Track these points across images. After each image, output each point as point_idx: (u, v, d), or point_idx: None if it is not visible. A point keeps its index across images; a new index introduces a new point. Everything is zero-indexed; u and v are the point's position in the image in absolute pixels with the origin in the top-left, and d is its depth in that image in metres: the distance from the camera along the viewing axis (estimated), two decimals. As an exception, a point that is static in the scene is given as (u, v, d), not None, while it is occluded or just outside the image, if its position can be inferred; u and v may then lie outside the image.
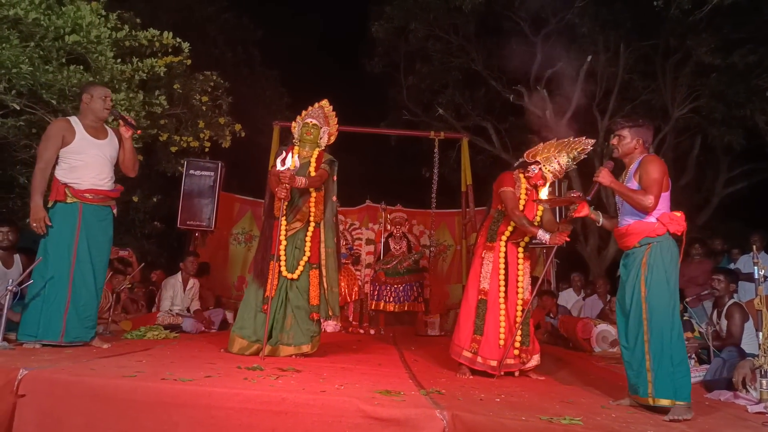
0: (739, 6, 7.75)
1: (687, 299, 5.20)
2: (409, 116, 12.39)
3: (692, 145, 10.74)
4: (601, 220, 3.45)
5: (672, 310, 3.06)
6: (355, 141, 10.06)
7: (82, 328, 3.91)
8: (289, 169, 4.06)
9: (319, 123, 4.53)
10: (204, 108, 7.24)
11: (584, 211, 3.40)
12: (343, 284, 7.38)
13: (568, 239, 3.87)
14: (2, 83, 4.84)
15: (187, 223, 7.46)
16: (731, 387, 3.62)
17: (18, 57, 4.70)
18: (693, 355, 4.30)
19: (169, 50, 6.27)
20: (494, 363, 4.00)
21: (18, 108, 5.04)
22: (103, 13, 5.40)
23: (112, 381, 2.65)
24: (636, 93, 10.39)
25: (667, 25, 8.89)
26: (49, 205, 3.90)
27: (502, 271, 4.17)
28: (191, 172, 7.49)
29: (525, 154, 4.29)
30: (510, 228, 4.18)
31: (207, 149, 7.56)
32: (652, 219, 3.14)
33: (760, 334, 3.53)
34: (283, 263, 4.30)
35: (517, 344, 4.07)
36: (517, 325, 4.07)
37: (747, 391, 3.49)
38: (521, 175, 4.25)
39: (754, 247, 3.96)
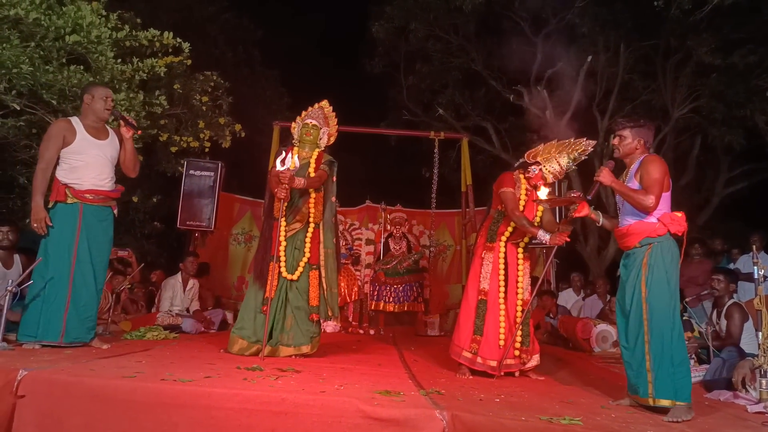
0: (739, 6, 7.75)
1: (687, 299, 5.20)
2: (409, 116, 12.40)
3: (692, 145, 10.75)
4: (601, 220, 3.45)
5: (672, 310, 3.06)
6: (355, 141, 10.06)
7: (82, 328, 3.91)
8: (288, 169, 4.06)
9: (318, 124, 4.53)
10: (204, 108, 7.24)
11: (584, 211, 3.40)
12: (342, 284, 7.38)
13: (568, 239, 3.87)
14: (2, 83, 4.84)
15: (187, 223, 7.46)
16: (731, 387, 3.62)
17: (18, 57, 4.70)
18: (693, 355, 4.30)
19: (170, 50, 6.27)
20: (494, 363, 4.00)
21: (18, 108, 5.04)
22: (104, 13, 5.40)
23: (112, 381, 2.65)
24: (636, 93, 10.39)
25: (668, 25, 8.89)
26: (50, 205, 3.90)
27: (502, 272, 4.17)
28: (191, 172, 7.49)
29: (525, 155, 4.29)
30: (510, 228, 4.18)
31: (207, 149, 7.56)
32: (653, 219, 3.14)
33: (760, 334, 3.54)
34: (282, 264, 4.30)
35: (518, 344, 4.08)
36: (517, 325, 4.07)
37: (747, 391, 3.49)
38: (521, 176, 4.25)
39: (754, 247, 3.96)
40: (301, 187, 4.21)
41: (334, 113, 4.63)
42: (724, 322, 4.40)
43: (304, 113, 4.59)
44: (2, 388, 2.56)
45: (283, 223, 4.32)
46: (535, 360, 4.16)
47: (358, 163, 12.27)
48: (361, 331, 7.09)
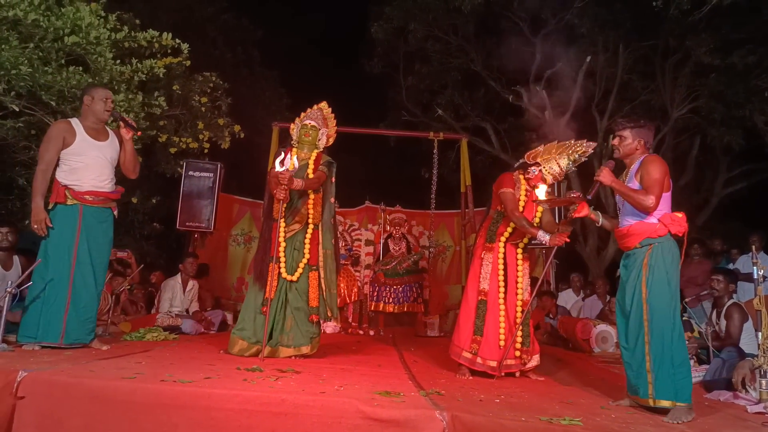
0: (738, 6, 7.75)
1: (686, 299, 5.21)
2: (409, 117, 12.40)
3: (691, 145, 10.75)
4: (601, 220, 3.45)
5: (673, 311, 3.05)
6: (355, 142, 10.06)
7: (82, 330, 3.91)
8: (287, 170, 4.07)
9: (317, 125, 4.54)
10: (203, 109, 7.24)
11: (584, 211, 3.39)
12: (342, 285, 7.38)
13: (567, 240, 3.87)
14: (1, 84, 4.83)
15: (187, 224, 7.45)
16: (731, 387, 3.62)
17: (17, 58, 4.69)
18: (692, 356, 4.30)
19: (169, 51, 6.26)
20: (494, 364, 4.00)
21: (17, 109, 5.04)
22: (103, 14, 5.40)
23: (112, 383, 2.65)
24: (635, 93, 10.39)
25: (667, 26, 8.89)
26: (50, 206, 3.89)
27: (501, 272, 4.17)
28: (190, 173, 7.49)
29: (525, 156, 4.29)
30: (509, 229, 4.18)
31: (206, 150, 7.55)
32: (653, 220, 3.13)
33: (760, 334, 3.54)
34: (282, 265, 4.30)
35: (518, 345, 4.08)
36: (517, 325, 4.07)
37: (746, 391, 3.50)
38: (521, 177, 4.25)
39: (753, 247, 3.96)
40: (300, 188, 4.21)
41: (333, 114, 4.64)
42: (723, 323, 4.40)
43: (303, 114, 4.60)
44: (2, 389, 2.55)
45: (283, 224, 4.32)
46: (535, 360, 4.16)
47: (357, 164, 12.26)
48: (361, 332, 7.09)
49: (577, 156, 4.15)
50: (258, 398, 2.59)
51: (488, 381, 3.87)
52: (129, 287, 6.08)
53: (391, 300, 7.32)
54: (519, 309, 4.13)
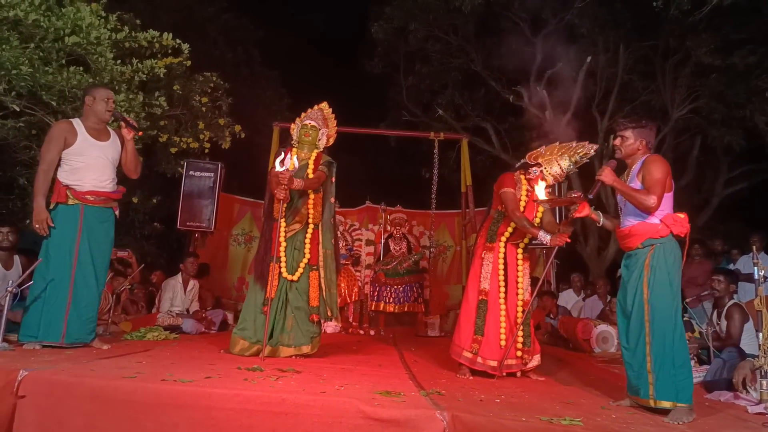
0: (738, 7, 7.75)
1: (687, 300, 5.20)
2: (409, 117, 12.40)
3: (692, 145, 10.75)
4: (601, 220, 3.45)
5: (674, 312, 3.05)
6: (355, 142, 10.06)
7: (83, 329, 3.91)
8: (287, 170, 4.07)
9: (317, 125, 4.54)
10: (204, 109, 7.25)
11: (585, 210, 3.39)
12: (343, 285, 7.39)
13: (568, 240, 3.87)
14: (2, 84, 4.84)
15: (187, 224, 7.46)
16: (731, 388, 3.62)
17: (18, 58, 4.70)
18: (693, 356, 4.30)
19: (169, 51, 6.27)
20: (494, 363, 4.00)
21: (18, 109, 5.05)
22: (103, 14, 5.41)
23: (112, 382, 2.65)
24: (636, 93, 10.39)
25: (667, 26, 8.89)
26: (51, 206, 3.90)
27: (502, 272, 4.17)
28: (191, 173, 7.49)
29: (527, 156, 4.28)
30: (510, 229, 4.18)
31: (207, 150, 7.56)
32: (655, 220, 3.13)
33: (760, 334, 3.53)
34: (283, 265, 4.30)
35: (519, 345, 4.08)
36: (517, 325, 4.07)
37: (747, 391, 3.49)
38: (522, 177, 4.24)
39: (754, 247, 3.95)
40: (300, 188, 4.22)
41: (333, 115, 4.64)
42: (724, 323, 4.39)
43: (303, 114, 4.60)
44: (3, 389, 2.56)
45: (283, 224, 4.33)
46: (536, 360, 4.16)
47: (357, 164, 12.25)
48: (362, 332, 7.10)
49: (578, 158, 4.14)
50: (258, 398, 2.59)
51: (489, 381, 3.87)
52: (130, 287, 6.09)
53: (391, 300, 7.32)
54: (520, 309, 4.13)
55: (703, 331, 4.44)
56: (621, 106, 10.27)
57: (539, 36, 10.38)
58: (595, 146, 4.18)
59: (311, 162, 4.46)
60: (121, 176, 4.27)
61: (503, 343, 4.05)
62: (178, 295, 6.13)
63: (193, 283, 6.31)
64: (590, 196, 3.41)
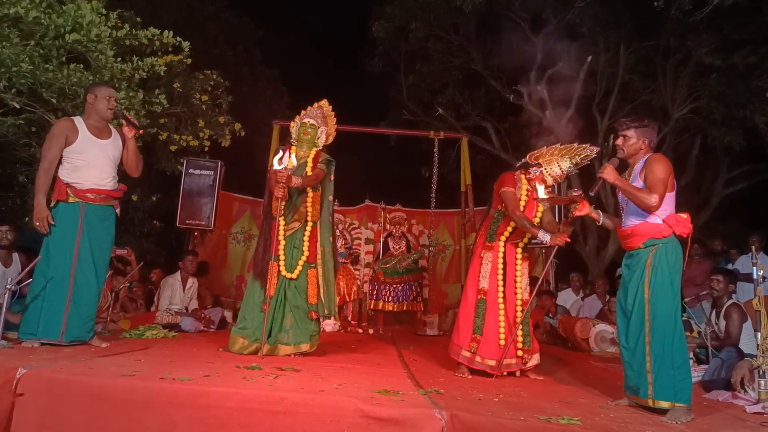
0: (739, 7, 7.75)
1: (685, 299, 5.20)
2: (409, 116, 12.40)
3: (692, 145, 10.75)
4: (602, 219, 3.44)
5: (675, 312, 3.05)
6: (355, 140, 10.07)
7: (82, 327, 3.91)
8: (286, 168, 4.08)
9: (316, 123, 4.54)
10: (204, 107, 7.25)
11: (585, 209, 3.38)
12: (342, 284, 7.38)
13: (568, 240, 3.87)
14: (2, 82, 4.84)
15: (186, 222, 7.45)
16: (729, 387, 3.63)
17: (18, 55, 4.70)
18: (691, 356, 4.30)
19: (170, 49, 6.27)
20: (492, 363, 4.00)
21: (18, 106, 5.04)
22: (104, 11, 5.40)
23: (111, 380, 2.65)
24: (636, 93, 10.39)
25: (668, 26, 8.89)
26: (52, 204, 3.90)
27: (501, 271, 4.17)
28: (191, 171, 7.48)
29: (527, 156, 4.28)
30: (509, 228, 4.18)
31: (207, 148, 7.56)
32: (658, 220, 3.12)
33: (759, 334, 3.54)
34: (282, 263, 4.31)
35: (519, 344, 4.08)
36: (516, 325, 4.07)
37: (745, 391, 3.50)
38: (522, 176, 4.24)
39: (753, 247, 3.96)
40: (298, 186, 4.22)
41: (333, 113, 4.63)
42: (722, 323, 4.40)
43: (303, 112, 4.60)
44: (1, 387, 2.55)
45: (282, 222, 4.33)
46: (535, 359, 4.16)
47: (357, 163, 12.26)
48: (360, 331, 7.09)
49: (579, 159, 4.14)
50: (257, 396, 2.59)
51: (487, 380, 3.87)
52: (129, 285, 6.09)
53: (390, 299, 7.32)
54: (518, 308, 4.13)
55: (701, 330, 4.44)
56: (621, 106, 10.28)
57: (540, 35, 10.37)
58: (597, 149, 4.18)
59: (310, 160, 4.45)
60: (121, 174, 4.27)
61: (502, 342, 4.05)
62: (177, 293, 6.13)
63: (192, 282, 6.30)
64: (591, 194, 3.39)
